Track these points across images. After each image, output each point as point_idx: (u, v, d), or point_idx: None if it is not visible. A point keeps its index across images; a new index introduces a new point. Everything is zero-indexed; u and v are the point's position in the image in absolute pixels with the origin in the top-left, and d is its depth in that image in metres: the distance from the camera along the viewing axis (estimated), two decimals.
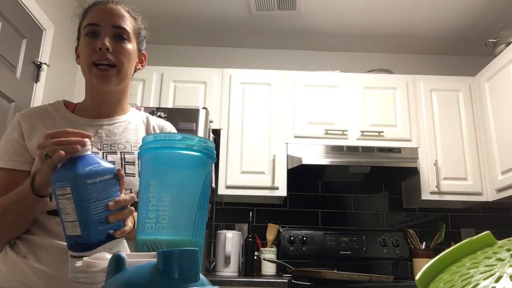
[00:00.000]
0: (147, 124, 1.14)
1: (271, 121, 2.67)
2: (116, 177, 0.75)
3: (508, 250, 0.36)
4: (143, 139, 0.60)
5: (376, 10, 2.80)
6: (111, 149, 1.04)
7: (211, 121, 2.49)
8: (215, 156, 0.61)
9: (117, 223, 0.73)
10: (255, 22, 2.97)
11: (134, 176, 1.02)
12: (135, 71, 1.12)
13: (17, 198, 0.87)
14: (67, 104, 1.10)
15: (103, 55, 0.99)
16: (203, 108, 2.35)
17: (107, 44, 0.99)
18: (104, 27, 1.01)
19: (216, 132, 2.61)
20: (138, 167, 1.03)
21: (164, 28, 3.07)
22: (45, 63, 2.36)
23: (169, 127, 1.17)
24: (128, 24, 1.06)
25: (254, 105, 2.70)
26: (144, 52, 1.14)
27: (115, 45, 1.01)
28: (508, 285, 0.31)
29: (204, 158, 0.59)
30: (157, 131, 1.14)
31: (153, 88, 2.70)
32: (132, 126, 1.10)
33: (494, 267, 0.34)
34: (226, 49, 3.27)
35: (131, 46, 1.05)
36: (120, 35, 1.02)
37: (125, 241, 0.78)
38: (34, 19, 2.27)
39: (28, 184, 0.85)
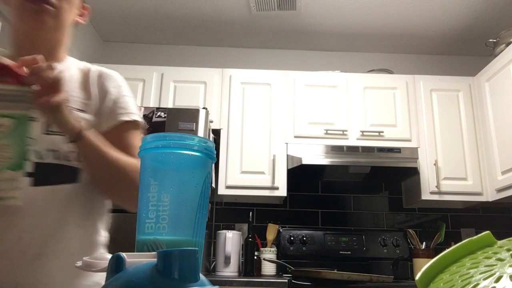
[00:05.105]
0: (87, 73, 0.98)
1: (271, 121, 2.67)
2: None
3: (508, 250, 0.36)
4: (143, 139, 0.60)
5: (376, 10, 2.80)
6: None
7: (211, 121, 2.49)
8: (215, 156, 0.61)
9: None
10: (255, 22, 2.97)
11: (61, 136, 0.86)
12: (75, 25, 0.98)
13: None
14: None
15: None
16: (203, 108, 2.35)
17: None
18: None
19: (216, 132, 2.61)
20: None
21: (164, 28, 3.07)
22: None
23: (111, 74, 1.00)
24: None
25: (254, 105, 2.70)
26: (87, 5, 1.00)
27: None
28: (508, 285, 0.31)
29: (204, 158, 0.59)
30: (95, 78, 0.97)
31: (153, 88, 2.70)
32: (65, 76, 0.91)
33: (494, 267, 0.34)
34: (226, 49, 3.27)
35: None
36: None
37: None
38: None
39: None
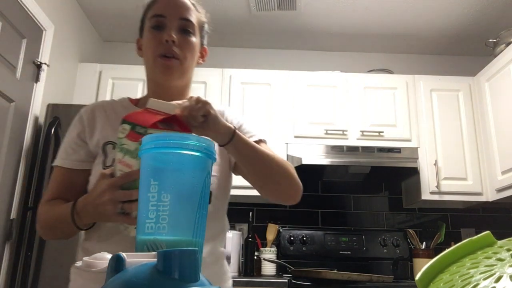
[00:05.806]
0: None
1: (271, 121, 2.67)
2: None
3: (508, 250, 0.36)
4: (143, 139, 0.60)
5: (376, 10, 2.80)
6: None
7: None
8: (215, 156, 0.61)
9: None
10: (255, 22, 2.97)
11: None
12: (197, 65, 1.12)
13: (61, 219, 0.88)
14: (131, 99, 1.12)
15: (169, 48, 0.99)
16: None
17: (174, 37, 0.99)
18: (170, 19, 1.01)
19: None
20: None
21: None
22: (45, 63, 2.36)
23: (228, 109, 1.16)
24: (194, 17, 1.05)
25: (254, 105, 2.70)
26: (205, 47, 1.14)
27: (181, 38, 1.01)
28: (508, 285, 0.31)
29: (204, 158, 0.59)
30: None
31: None
32: None
33: (494, 267, 0.34)
34: (226, 49, 3.27)
35: (195, 39, 1.05)
36: (185, 28, 1.02)
37: None
38: (34, 19, 2.27)
39: (69, 213, 0.85)
